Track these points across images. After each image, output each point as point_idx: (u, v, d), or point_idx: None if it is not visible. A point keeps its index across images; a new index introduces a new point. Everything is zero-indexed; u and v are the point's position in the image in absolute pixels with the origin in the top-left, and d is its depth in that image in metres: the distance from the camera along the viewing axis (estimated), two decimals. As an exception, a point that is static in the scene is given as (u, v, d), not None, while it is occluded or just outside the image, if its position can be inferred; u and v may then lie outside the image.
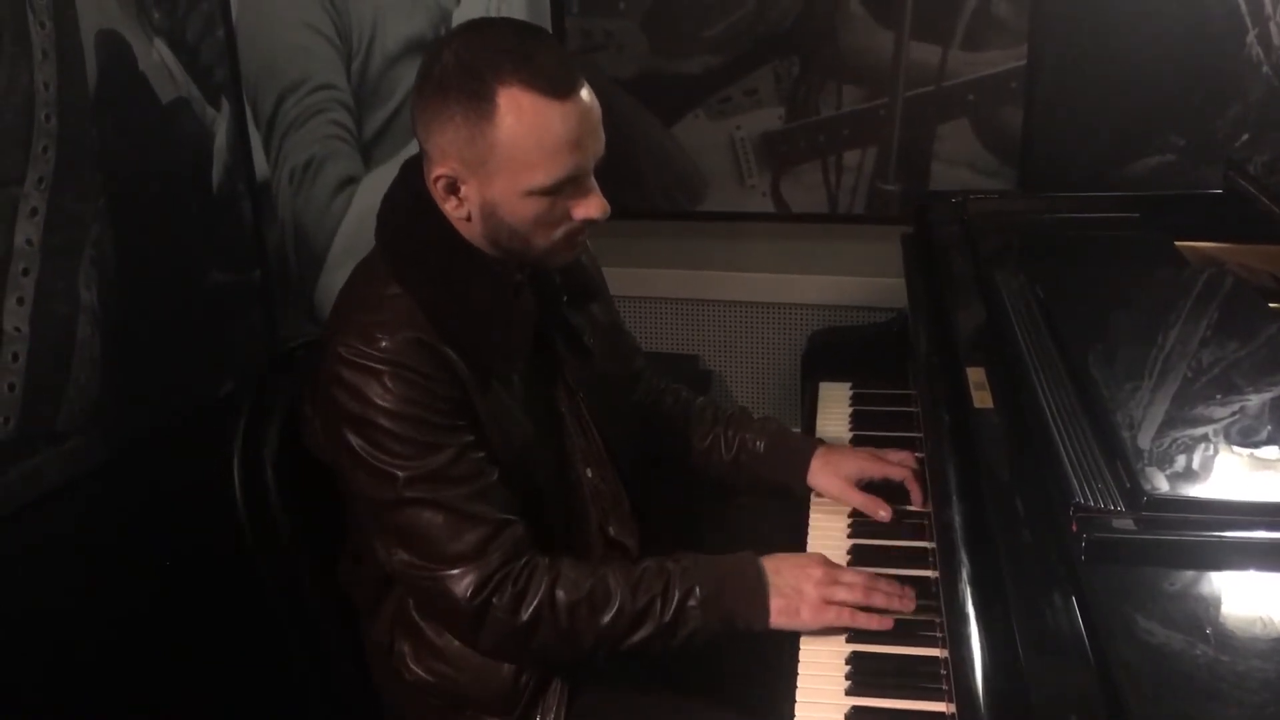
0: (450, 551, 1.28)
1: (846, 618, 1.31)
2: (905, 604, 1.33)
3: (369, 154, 2.15)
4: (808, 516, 1.59)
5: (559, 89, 1.24)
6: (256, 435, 1.44)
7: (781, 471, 1.64)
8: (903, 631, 1.31)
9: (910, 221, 2.10)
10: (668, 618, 1.31)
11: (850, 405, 1.92)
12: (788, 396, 2.79)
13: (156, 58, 1.62)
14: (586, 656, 1.32)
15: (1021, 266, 1.68)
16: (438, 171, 1.29)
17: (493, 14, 2.57)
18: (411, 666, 1.41)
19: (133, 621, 1.61)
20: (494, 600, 1.28)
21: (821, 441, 1.67)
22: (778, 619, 1.33)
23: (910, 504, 1.55)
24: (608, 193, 1.33)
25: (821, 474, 1.60)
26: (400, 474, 1.27)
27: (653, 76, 2.76)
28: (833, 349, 2.10)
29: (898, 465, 1.58)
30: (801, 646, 1.31)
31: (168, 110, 1.65)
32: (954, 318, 1.58)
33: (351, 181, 2.11)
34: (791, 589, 1.33)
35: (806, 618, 1.32)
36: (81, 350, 1.50)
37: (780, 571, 1.35)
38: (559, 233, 1.32)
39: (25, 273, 1.41)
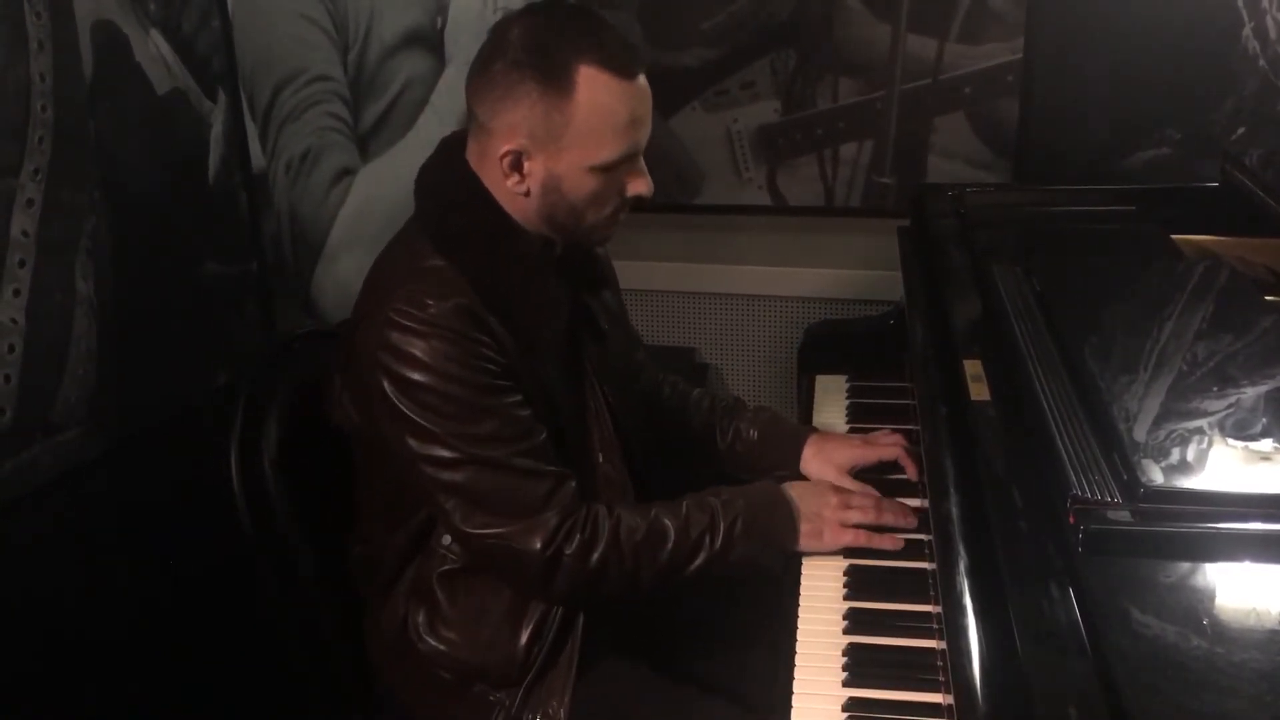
0: (514, 509, 1.32)
1: (864, 540, 1.44)
2: (909, 520, 1.47)
3: (365, 146, 2.15)
4: None
5: (629, 70, 1.32)
6: (254, 428, 1.44)
7: (775, 459, 1.67)
8: (898, 624, 1.31)
9: (907, 214, 2.10)
10: (718, 547, 1.39)
11: (847, 398, 1.92)
12: (784, 389, 2.78)
13: (152, 49, 1.61)
14: (648, 591, 1.39)
15: (1018, 259, 1.68)
16: (505, 147, 1.33)
17: (489, 2, 2.56)
18: (425, 637, 1.43)
19: (130, 615, 1.61)
20: (565, 550, 1.33)
21: (814, 429, 1.70)
22: (805, 542, 1.45)
23: (904, 486, 1.58)
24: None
25: (814, 462, 1.64)
26: (453, 437, 1.30)
27: (648, 68, 2.75)
28: (829, 342, 2.10)
29: (889, 447, 1.63)
30: (799, 638, 1.32)
31: (164, 101, 1.65)
32: (951, 310, 1.58)
33: (348, 173, 2.11)
34: (814, 514, 1.46)
35: (828, 540, 1.45)
36: (78, 342, 1.50)
37: (803, 497, 1.48)
38: (608, 209, 1.39)
39: (21, 264, 1.40)
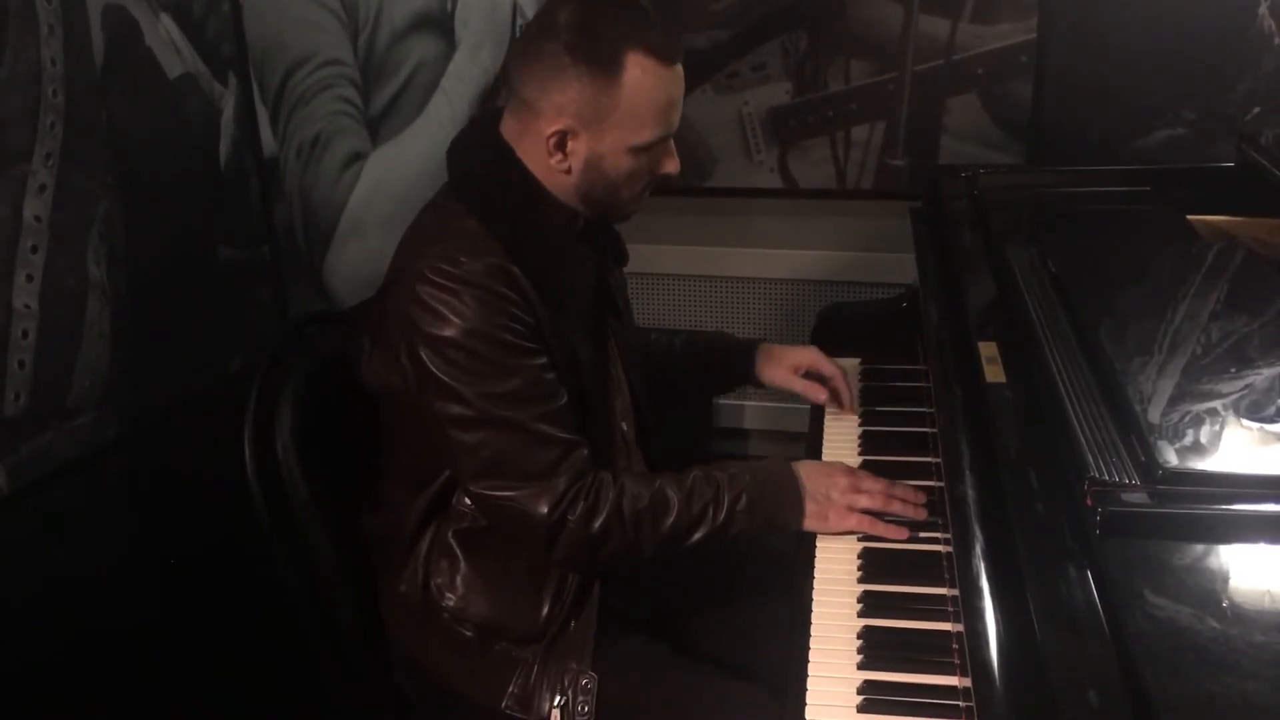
0: (525, 471, 1.35)
1: (867, 525, 1.44)
2: (919, 511, 1.46)
3: (376, 130, 2.14)
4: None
5: (673, 55, 1.38)
6: (267, 411, 1.44)
7: (734, 373, 1.82)
8: (912, 609, 1.31)
9: (920, 195, 2.09)
10: (719, 520, 1.41)
11: (859, 380, 1.91)
12: (796, 372, 2.77)
13: (163, 33, 1.61)
14: (648, 560, 1.41)
15: (1033, 240, 1.67)
16: (552, 128, 1.38)
17: (499, -12, 2.56)
18: (446, 595, 1.46)
19: (145, 599, 1.61)
20: (569, 515, 1.35)
21: (763, 341, 1.84)
22: (809, 523, 1.46)
23: (916, 469, 1.58)
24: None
25: (767, 368, 1.79)
26: (474, 393, 1.33)
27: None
28: (841, 324, 2.10)
29: (832, 365, 1.77)
30: (813, 620, 1.32)
31: (175, 86, 1.64)
32: (965, 292, 1.57)
33: (358, 158, 2.11)
34: (822, 495, 1.47)
35: (834, 522, 1.45)
36: (91, 327, 1.50)
37: (812, 478, 1.48)
38: (640, 186, 1.45)
39: (34, 249, 1.41)
